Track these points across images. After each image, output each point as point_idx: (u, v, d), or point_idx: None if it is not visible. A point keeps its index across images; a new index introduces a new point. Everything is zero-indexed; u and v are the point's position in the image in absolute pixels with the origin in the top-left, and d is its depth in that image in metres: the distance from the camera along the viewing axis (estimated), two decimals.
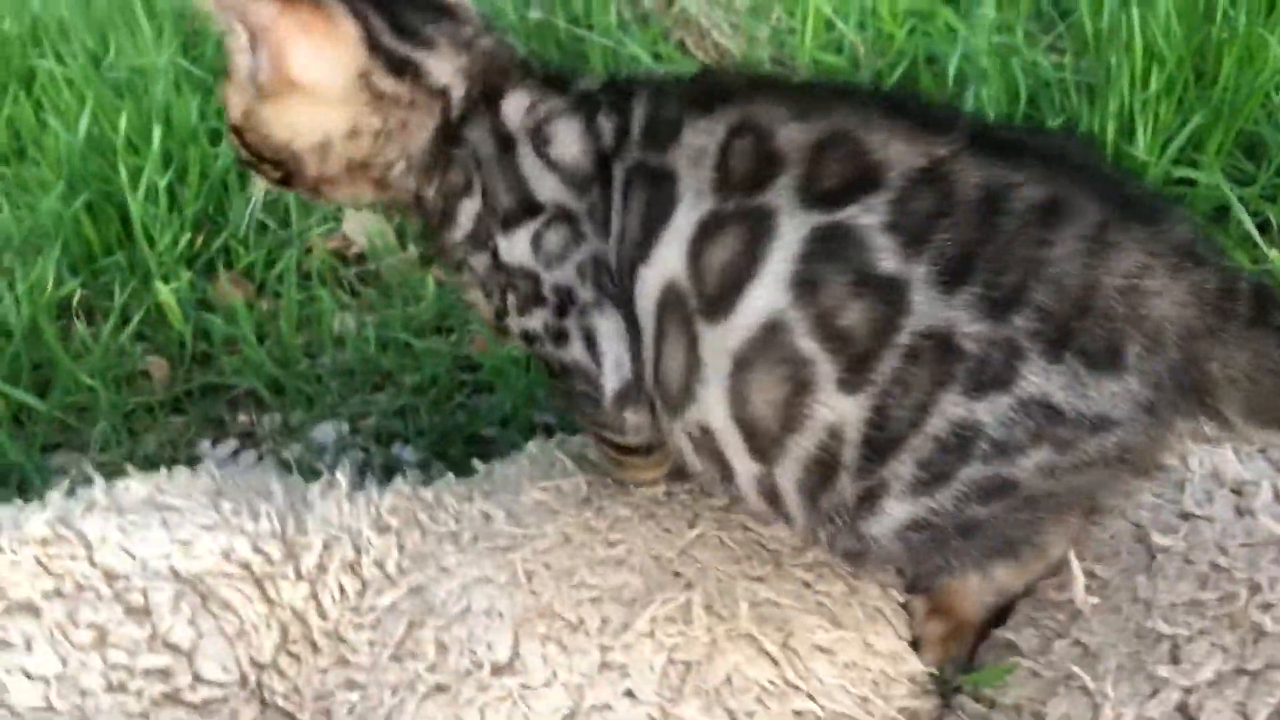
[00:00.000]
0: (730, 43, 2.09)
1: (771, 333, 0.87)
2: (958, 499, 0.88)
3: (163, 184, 1.89)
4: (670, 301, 0.92)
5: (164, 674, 1.01)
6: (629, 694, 0.96)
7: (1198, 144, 1.78)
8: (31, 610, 1.02)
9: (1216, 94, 1.75)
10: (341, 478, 1.18)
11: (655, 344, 0.95)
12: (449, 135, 1.05)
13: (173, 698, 1.01)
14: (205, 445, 1.71)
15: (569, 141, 1.00)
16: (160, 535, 1.09)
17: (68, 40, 2.25)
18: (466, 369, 1.76)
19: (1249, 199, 1.66)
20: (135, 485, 1.17)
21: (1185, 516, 1.02)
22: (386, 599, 1.06)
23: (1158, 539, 1.01)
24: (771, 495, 0.95)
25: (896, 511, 0.89)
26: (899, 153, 0.86)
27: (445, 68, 1.03)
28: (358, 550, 1.10)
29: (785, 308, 0.86)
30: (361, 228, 1.99)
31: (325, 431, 1.69)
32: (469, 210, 1.05)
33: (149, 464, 1.65)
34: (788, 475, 0.92)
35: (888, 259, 0.84)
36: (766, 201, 0.87)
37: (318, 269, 1.90)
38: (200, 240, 2.00)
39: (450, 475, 1.24)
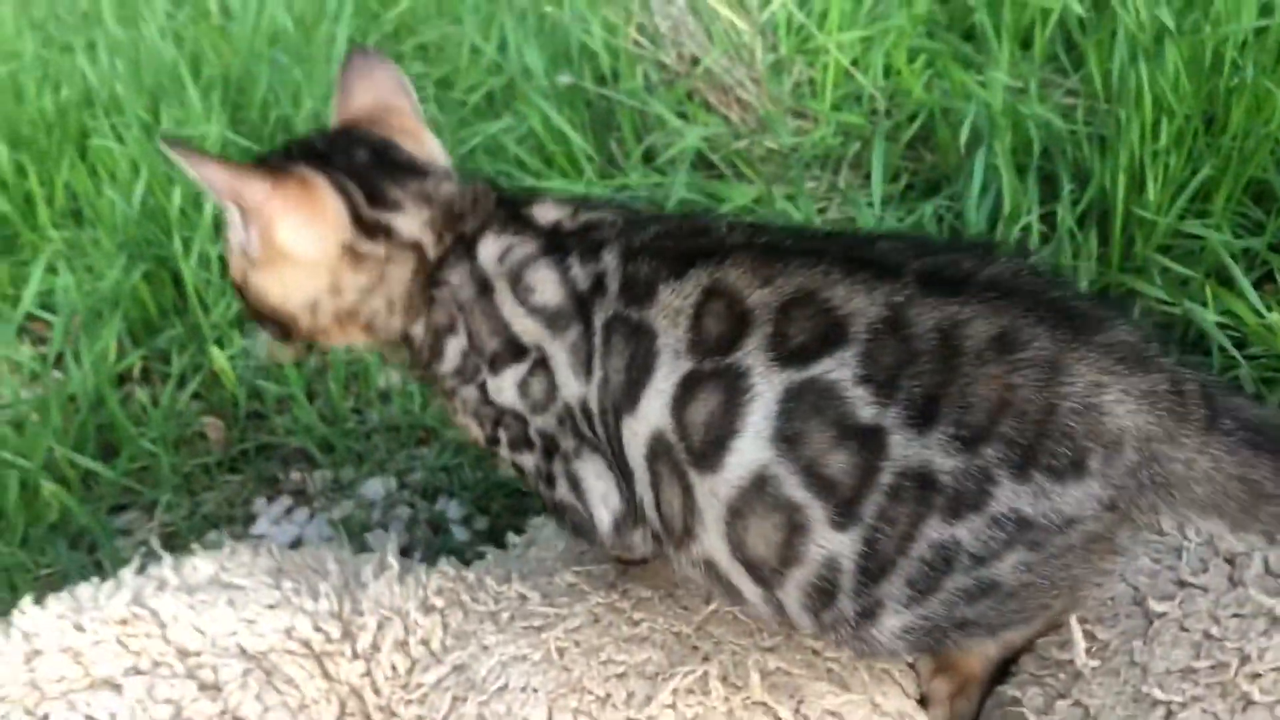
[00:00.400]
0: (753, 99, 2.17)
1: (761, 484, 0.94)
2: (947, 604, 0.95)
3: (215, 252, 2.00)
4: (660, 451, 0.98)
5: None
6: None
7: (1207, 194, 1.83)
8: (114, 687, 1.12)
9: (1225, 143, 1.80)
10: (393, 559, 1.27)
11: (652, 487, 1.01)
12: (429, 279, 1.12)
13: None
14: (261, 503, 1.82)
15: (547, 289, 1.06)
16: (227, 614, 1.19)
17: (121, 110, 2.37)
18: None
19: (1257, 250, 1.71)
20: (202, 564, 1.27)
21: (1181, 584, 1.08)
22: (432, 676, 1.15)
23: (1154, 605, 1.08)
24: (779, 610, 1.02)
25: (894, 621, 0.97)
26: (860, 305, 0.92)
27: (413, 224, 1.11)
28: (406, 630, 1.20)
29: (770, 461, 0.93)
30: None
31: (374, 488, 1.80)
32: (455, 347, 1.12)
33: (208, 523, 1.77)
34: (791, 598, 0.99)
35: (864, 408, 0.90)
36: (739, 361, 0.94)
37: None
38: None
39: (489, 556, 1.34)
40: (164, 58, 2.51)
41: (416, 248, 1.12)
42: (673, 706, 1.07)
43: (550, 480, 1.10)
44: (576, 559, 1.25)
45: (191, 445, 1.89)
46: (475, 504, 1.74)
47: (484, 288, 1.09)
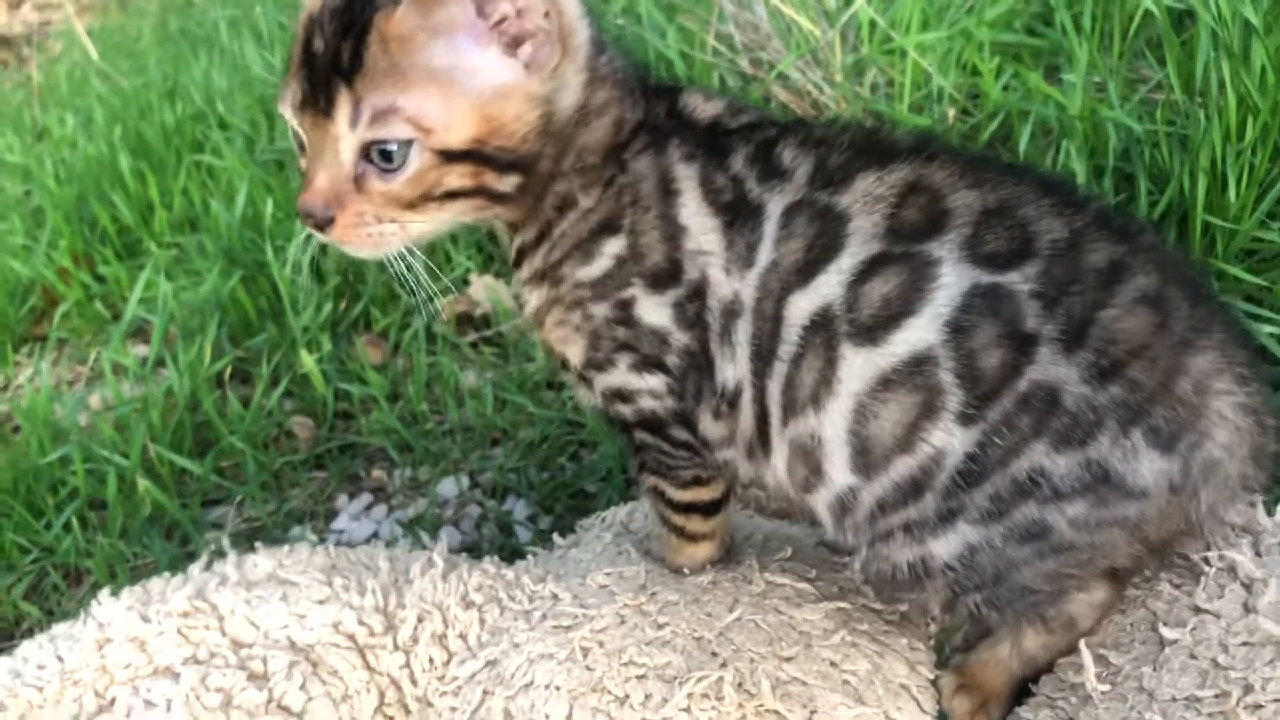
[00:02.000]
0: (830, 101, 2.16)
1: (919, 363, 0.98)
2: (1005, 537, 0.98)
3: (306, 259, 2.10)
4: (820, 324, 1.01)
5: None
6: None
7: None
8: (172, 675, 1.21)
9: None
10: (438, 557, 1.33)
11: (793, 360, 1.03)
12: (619, 154, 1.09)
13: None
14: (343, 499, 1.90)
15: (721, 188, 1.06)
16: (280, 609, 1.27)
17: (226, 125, 2.49)
18: (571, 427, 1.90)
19: None
20: (262, 560, 1.35)
21: (1196, 611, 1.07)
22: (467, 669, 1.20)
23: (1167, 632, 1.07)
24: (842, 509, 1.05)
25: (963, 535, 0.99)
26: (1048, 226, 0.98)
27: (608, 88, 1.08)
28: (446, 624, 1.26)
29: (937, 344, 0.97)
30: (484, 291, 2.16)
31: (448, 487, 1.86)
32: (612, 249, 1.09)
33: (292, 518, 1.86)
34: (878, 490, 1.02)
35: (1030, 318, 0.95)
36: (932, 251, 0.98)
37: (443, 332, 2.07)
38: (343, 305, 2.22)
39: (530, 557, 1.39)
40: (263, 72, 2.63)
41: (624, 100, 1.10)
42: (687, 710, 1.09)
43: (677, 396, 1.11)
44: (611, 560, 1.29)
45: (280, 444, 1.98)
46: (541, 504, 1.79)
47: (667, 189, 1.08)
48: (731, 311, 1.05)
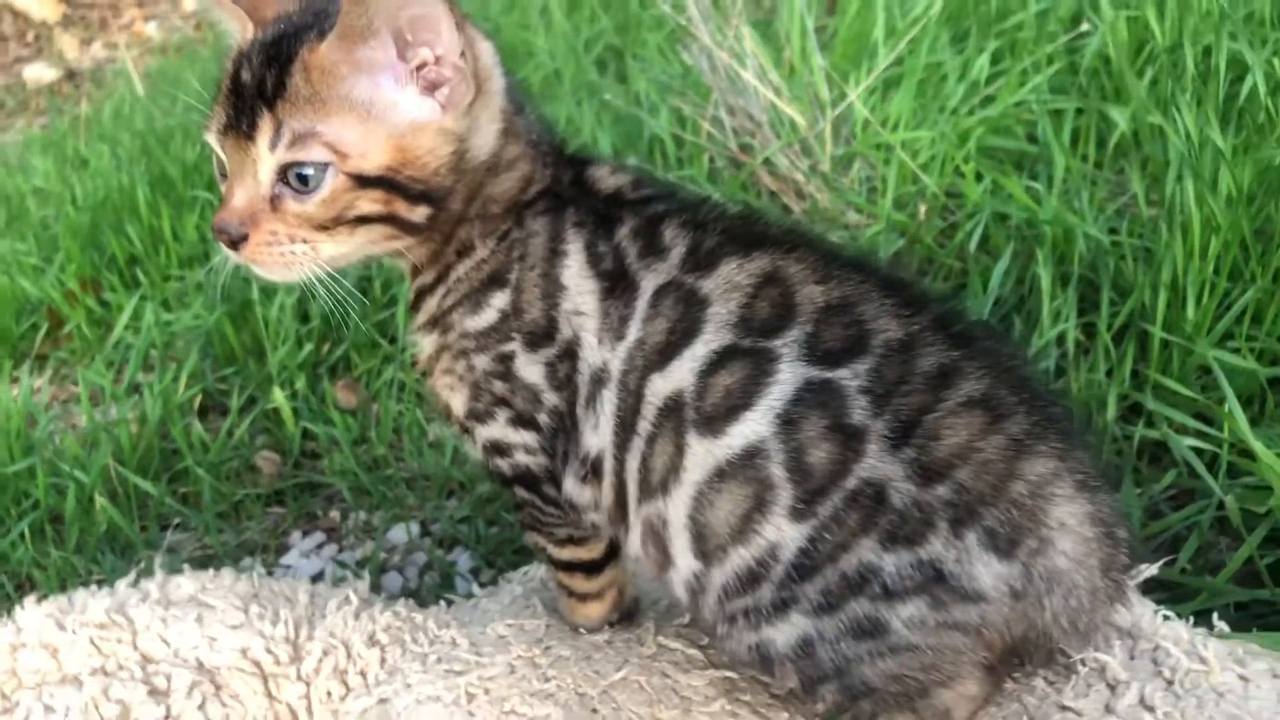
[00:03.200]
0: (814, 190, 2.22)
1: (751, 456, 1.00)
2: (839, 632, 0.99)
3: (290, 301, 2.16)
4: (672, 409, 1.04)
5: None
6: None
7: (1256, 316, 1.79)
8: (76, 683, 1.24)
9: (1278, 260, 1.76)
10: (353, 596, 1.37)
11: (648, 441, 1.06)
12: (519, 208, 1.14)
13: None
14: (296, 536, 1.94)
15: (603, 255, 1.10)
16: (193, 629, 1.30)
17: None
18: None
19: None
20: (185, 582, 1.39)
21: (1061, 708, 1.08)
22: (359, 705, 1.23)
23: None
24: (693, 591, 1.07)
25: (792, 629, 1.01)
26: (885, 325, 1.01)
27: (525, 146, 1.14)
28: (349, 660, 1.29)
29: (768, 437, 0.99)
30: None
31: (399, 533, 1.90)
32: (498, 303, 1.12)
33: (245, 550, 1.90)
34: (719, 577, 1.04)
35: (858, 414, 0.97)
36: (775, 347, 1.01)
37: (409, 382, 2.12)
38: (326, 348, 2.27)
39: (443, 603, 1.42)
40: None
41: (533, 159, 1.15)
42: None
43: (548, 454, 1.14)
44: (517, 612, 1.32)
45: (244, 477, 2.03)
46: (485, 558, 1.81)
47: (555, 249, 1.12)
48: (599, 379, 1.09)
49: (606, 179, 1.17)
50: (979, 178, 2.13)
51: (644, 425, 1.06)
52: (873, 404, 0.97)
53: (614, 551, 1.25)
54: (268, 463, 2.05)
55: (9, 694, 1.24)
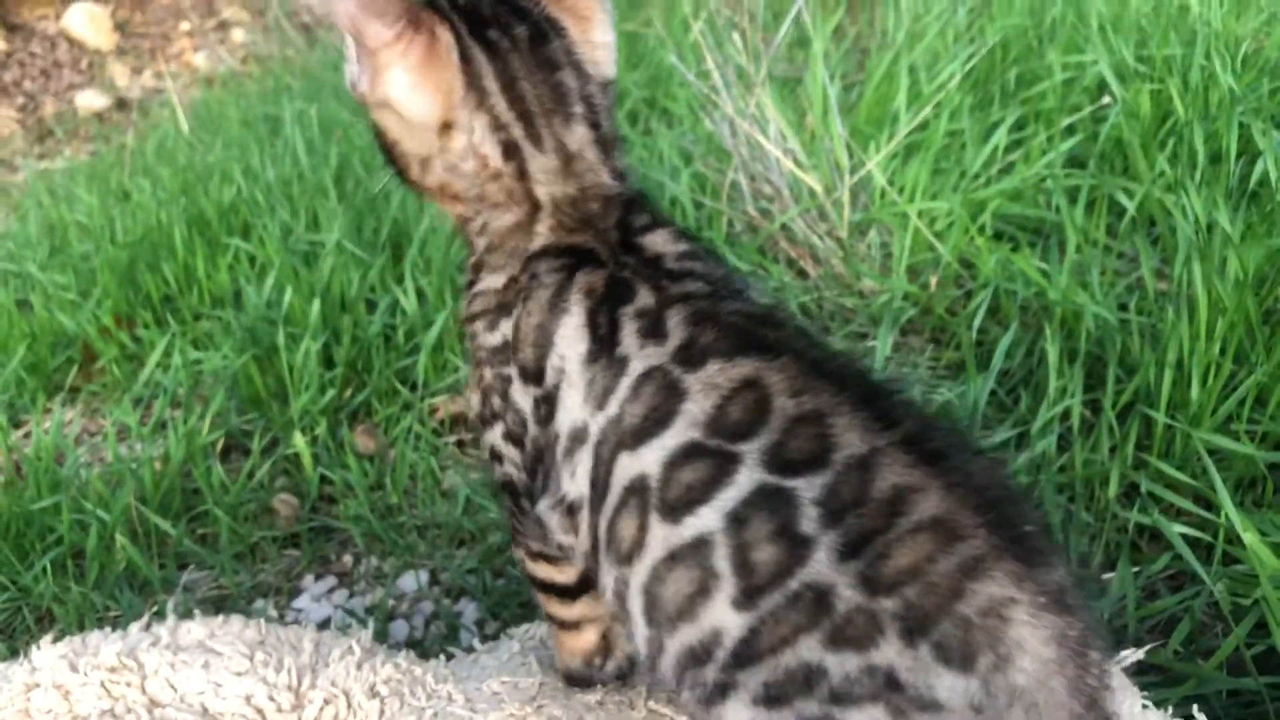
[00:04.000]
0: (832, 257, 2.26)
1: (700, 545, 1.03)
2: None
3: (315, 347, 2.22)
4: (637, 490, 1.07)
5: None
6: None
7: (1260, 399, 1.81)
8: None
9: None
10: (358, 647, 1.41)
11: (616, 510, 1.09)
12: (526, 251, 1.16)
13: None
14: (309, 579, 1.99)
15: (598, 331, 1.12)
16: (200, 675, 1.35)
17: (273, 213, 2.66)
18: None
19: None
20: (195, 628, 1.43)
21: None
22: None
23: None
24: (654, 653, 1.09)
25: (740, 711, 1.02)
26: (849, 440, 1.01)
27: (542, 183, 1.16)
28: (350, 710, 1.33)
29: (716, 531, 1.02)
30: None
31: (408, 581, 1.94)
32: (503, 330, 1.17)
33: (259, 592, 1.95)
34: (671, 649, 1.07)
35: (807, 523, 0.99)
36: (741, 452, 1.03)
37: (423, 431, 2.17)
38: (348, 393, 2.33)
39: (443, 657, 1.46)
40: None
41: (533, 206, 1.17)
42: None
43: (531, 473, 1.19)
44: (513, 669, 1.35)
45: (261, 519, 2.08)
46: (491, 609, 1.85)
47: (558, 308, 1.14)
48: (578, 437, 1.12)
49: (657, 243, 1.19)
50: (992, 249, 2.16)
51: (613, 497, 1.09)
52: (824, 517, 0.99)
53: (588, 583, 1.26)
54: (285, 505, 2.10)
55: None
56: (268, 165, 3.14)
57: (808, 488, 1.00)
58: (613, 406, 1.10)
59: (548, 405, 1.15)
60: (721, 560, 1.02)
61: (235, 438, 2.24)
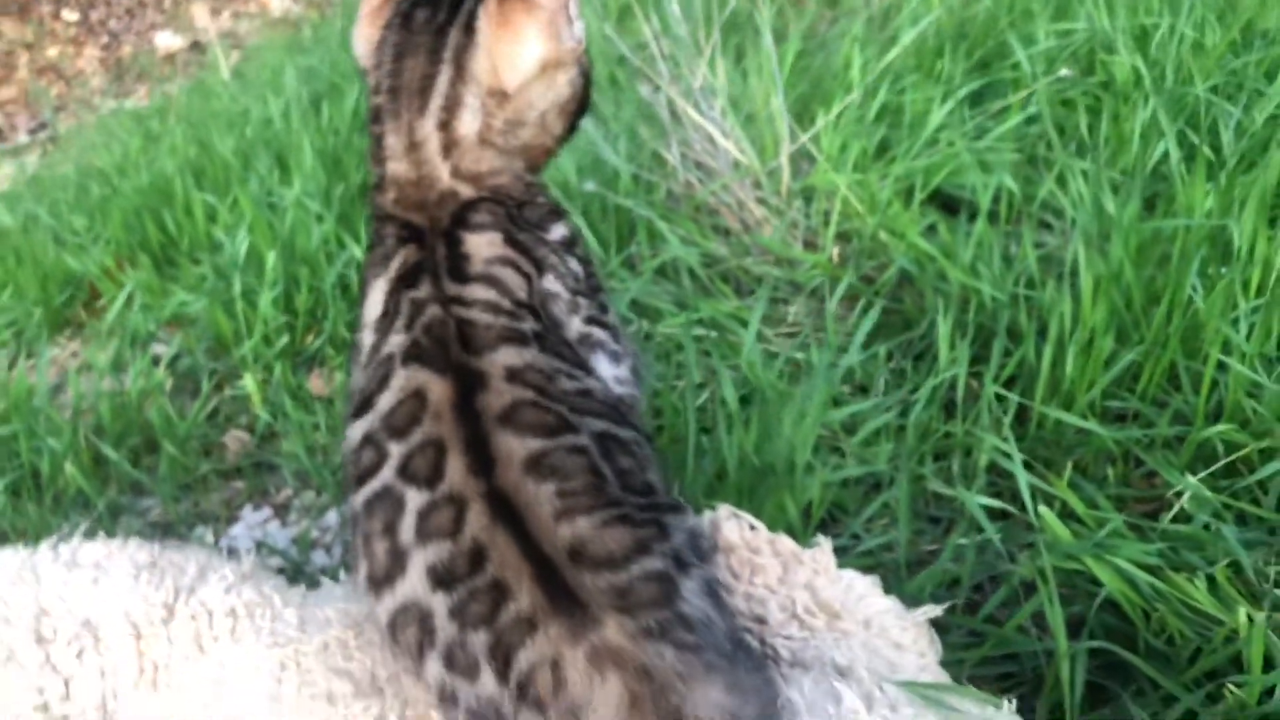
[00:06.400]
0: (758, 223, 2.35)
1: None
2: None
3: (271, 295, 2.39)
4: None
5: (39, 690, 1.43)
6: None
7: (1136, 375, 1.88)
8: None
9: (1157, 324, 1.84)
10: (229, 572, 1.57)
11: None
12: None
13: (43, 709, 1.43)
14: (248, 510, 2.17)
15: None
16: (89, 590, 1.53)
17: (255, 168, 2.83)
18: None
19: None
20: (96, 548, 1.61)
21: None
22: (204, 665, 1.44)
23: None
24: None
25: None
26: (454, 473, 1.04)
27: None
28: (211, 627, 1.49)
29: (360, 509, 1.09)
30: None
31: (333, 517, 2.11)
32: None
33: (203, 519, 2.14)
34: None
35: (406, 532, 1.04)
36: (389, 450, 1.07)
37: None
38: (310, 339, 2.51)
39: (302, 586, 1.61)
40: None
41: (383, 174, 1.25)
42: None
43: None
44: (350, 598, 1.50)
45: (213, 454, 2.27)
46: None
47: (379, 269, 1.21)
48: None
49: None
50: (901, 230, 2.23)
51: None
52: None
53: None
54: (235, 441, 2.29)
55: None
56: (274, 117, 3.31)
57: (414, 500, 1.04)
58: (368, 371, 1.18)
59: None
60: (361, 532, 1.09)
61: (195, 377, 2.42)
